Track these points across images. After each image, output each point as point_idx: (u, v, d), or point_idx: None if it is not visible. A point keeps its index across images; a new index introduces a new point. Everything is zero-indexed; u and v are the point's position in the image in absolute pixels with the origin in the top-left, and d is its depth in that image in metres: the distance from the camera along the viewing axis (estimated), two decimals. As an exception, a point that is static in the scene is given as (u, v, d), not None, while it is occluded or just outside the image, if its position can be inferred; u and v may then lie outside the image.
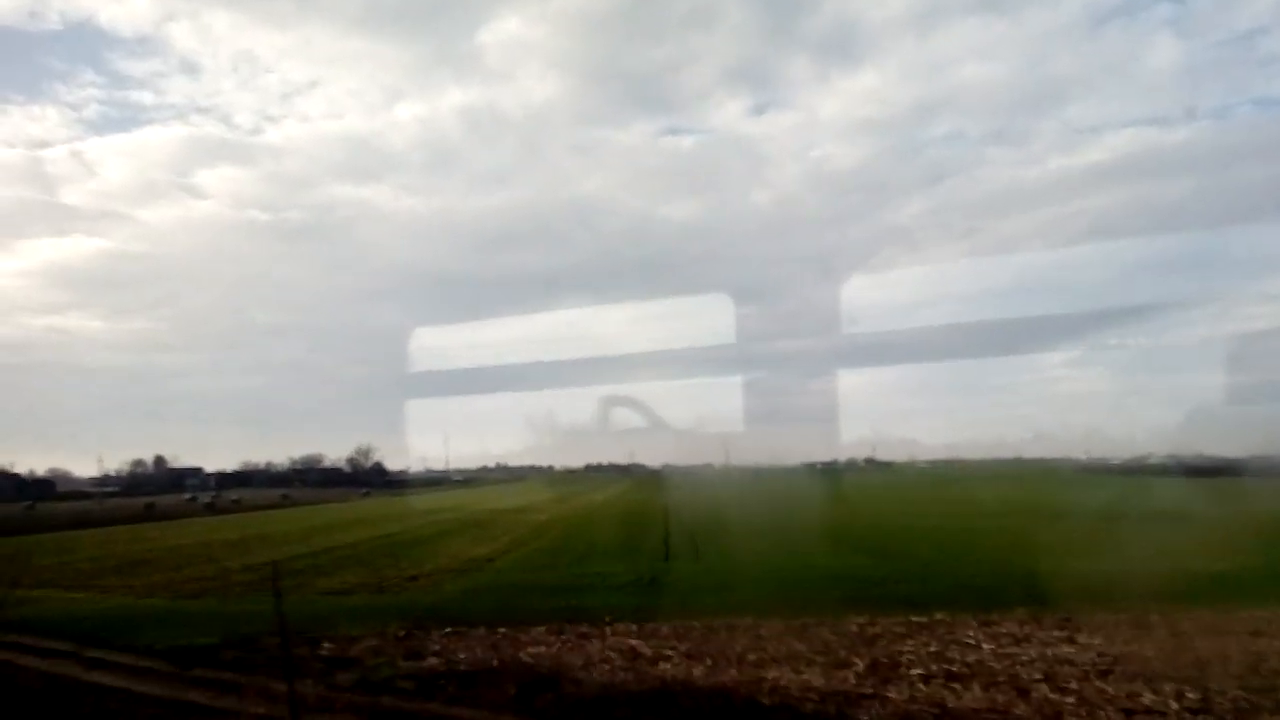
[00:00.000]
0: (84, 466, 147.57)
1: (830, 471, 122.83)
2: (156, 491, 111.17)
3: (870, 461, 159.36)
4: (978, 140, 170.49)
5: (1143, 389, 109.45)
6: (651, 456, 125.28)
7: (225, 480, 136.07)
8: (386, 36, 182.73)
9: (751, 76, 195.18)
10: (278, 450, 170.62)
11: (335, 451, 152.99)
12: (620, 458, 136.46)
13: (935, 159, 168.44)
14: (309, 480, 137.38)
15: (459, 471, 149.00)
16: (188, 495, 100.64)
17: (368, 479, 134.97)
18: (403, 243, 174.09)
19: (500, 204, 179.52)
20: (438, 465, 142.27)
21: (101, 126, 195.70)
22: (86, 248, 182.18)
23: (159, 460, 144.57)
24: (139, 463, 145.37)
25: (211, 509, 76.94)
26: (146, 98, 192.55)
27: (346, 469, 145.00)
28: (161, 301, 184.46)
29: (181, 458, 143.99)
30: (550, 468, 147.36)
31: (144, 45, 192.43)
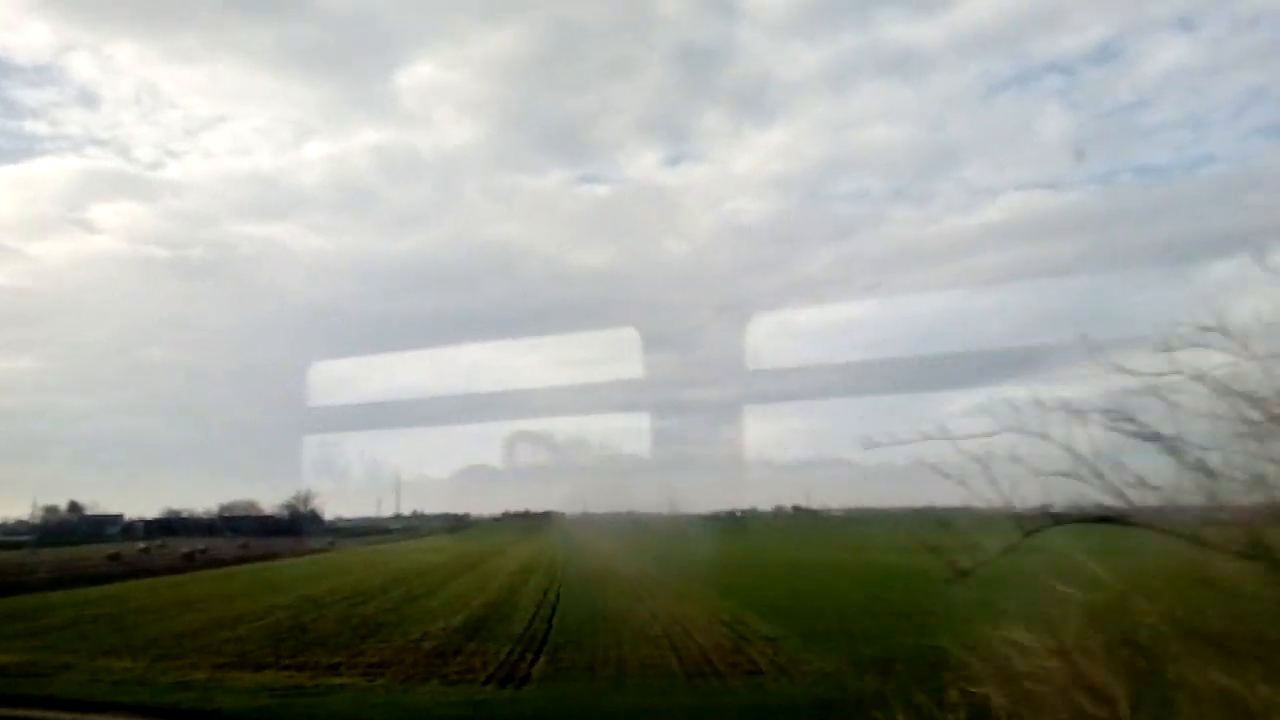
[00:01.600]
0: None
1: (741, 521, 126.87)
2: (78, 540, 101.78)
3: (799, 509, 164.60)
4: (882, 198, 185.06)
5: (1029, 438, 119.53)
6: (570, 504, 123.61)
7: (151, 528, 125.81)
8: (298, 75, 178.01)
9: (667, 128, 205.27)
10: (185, 496, 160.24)
11: (262, 496, 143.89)
12: (536, 505, 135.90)
13: (842, 214, 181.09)
14: (242, 528, 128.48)
15: (398, 519, 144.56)
16: (112, 546, 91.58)
17: (304, 527, 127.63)
18: (309, 283, 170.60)
19: (412, 246, 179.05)
20: (364, 512, 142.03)
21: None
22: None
23: (74, 506, 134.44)
24: (52, 509, 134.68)
25: (191, 561, 70.35)
26: (41, 128, 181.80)
27: (284, 516, 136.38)
28: (52, 340, 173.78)
29: (100, 504, 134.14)
30: (467, 515, 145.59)
31: (41, 74, 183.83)
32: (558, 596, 36.31)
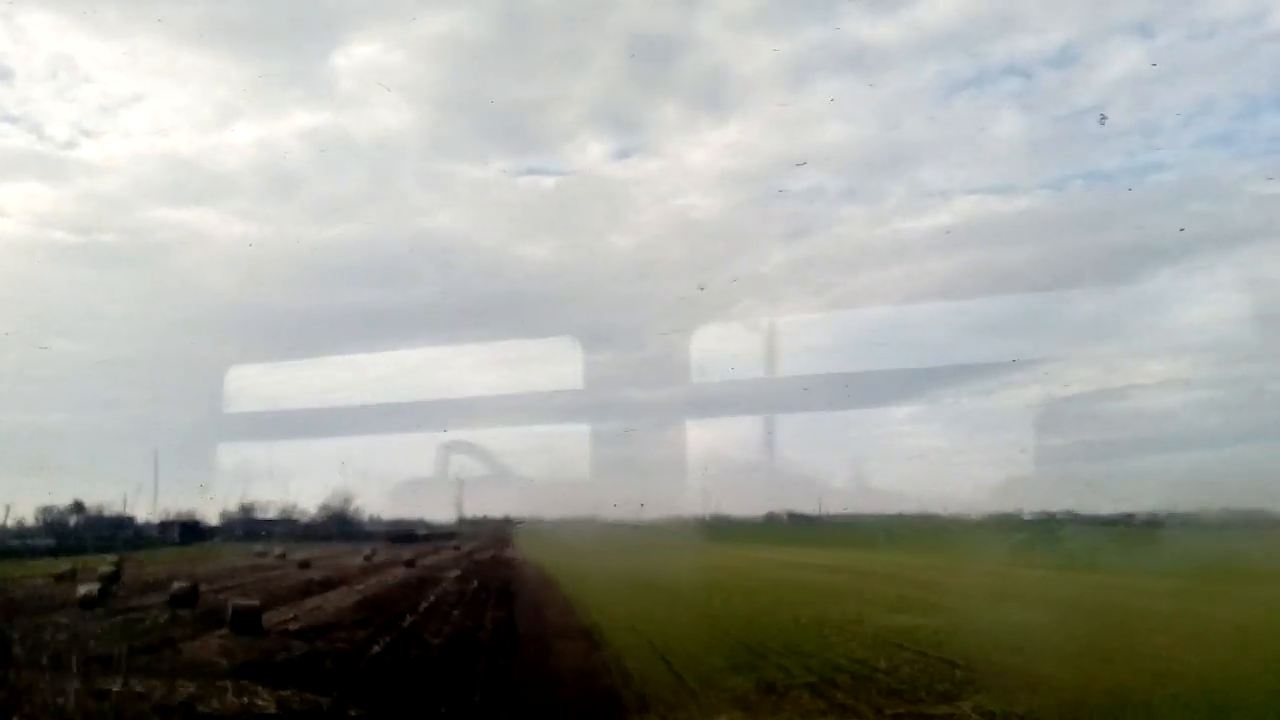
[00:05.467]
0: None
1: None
2: (100, 545, 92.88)
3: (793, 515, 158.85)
4: (835, 197, 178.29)
5: (976, 446, 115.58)
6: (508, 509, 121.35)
7: (166, 530, 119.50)
8: (224, 52, 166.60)
9: (618, 120, 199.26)
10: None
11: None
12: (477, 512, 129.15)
13: (794, 213, 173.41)
14: (275, 533, 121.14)
15: (463, 522, 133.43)
16: (167, 551, 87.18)
17: (352, 530, 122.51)
18: (231, 273, 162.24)
19: (342, 236, 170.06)
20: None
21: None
22: None
23: (78, 506, 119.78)
24: (48, 509, 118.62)
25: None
26: None
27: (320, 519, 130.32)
28: None
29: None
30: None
31: None
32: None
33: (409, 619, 30.98)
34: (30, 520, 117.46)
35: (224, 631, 26.02)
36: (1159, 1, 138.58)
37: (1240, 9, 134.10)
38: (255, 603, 28.85)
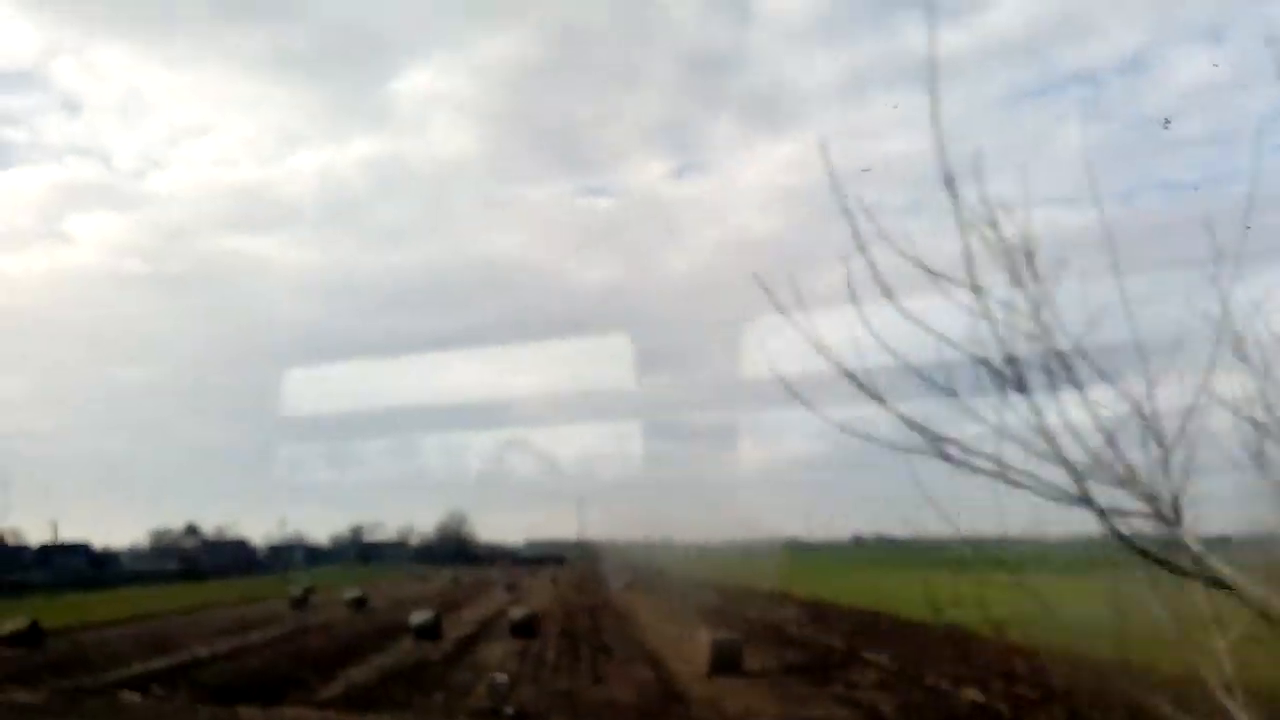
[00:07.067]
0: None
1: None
2: (223, 570, 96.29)
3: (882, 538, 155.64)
4: (897, 211, 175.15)
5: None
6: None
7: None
8: (287, 81, 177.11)
9: (674, 138, 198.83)
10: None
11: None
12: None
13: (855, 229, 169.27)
14: (381, 556, 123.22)
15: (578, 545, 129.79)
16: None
17: (475, 554, 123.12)
18: (293, 299, 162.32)
19: (403, 261, 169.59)
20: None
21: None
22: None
23: (191, 529, 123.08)
24: (163, 533, 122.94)
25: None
26: (19, 136, 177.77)
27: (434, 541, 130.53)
28: (28, 358, 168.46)
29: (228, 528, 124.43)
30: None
31: (23, 80, 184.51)
32: None
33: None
34: (140, 542, 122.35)
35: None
36: (1229, 3, 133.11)
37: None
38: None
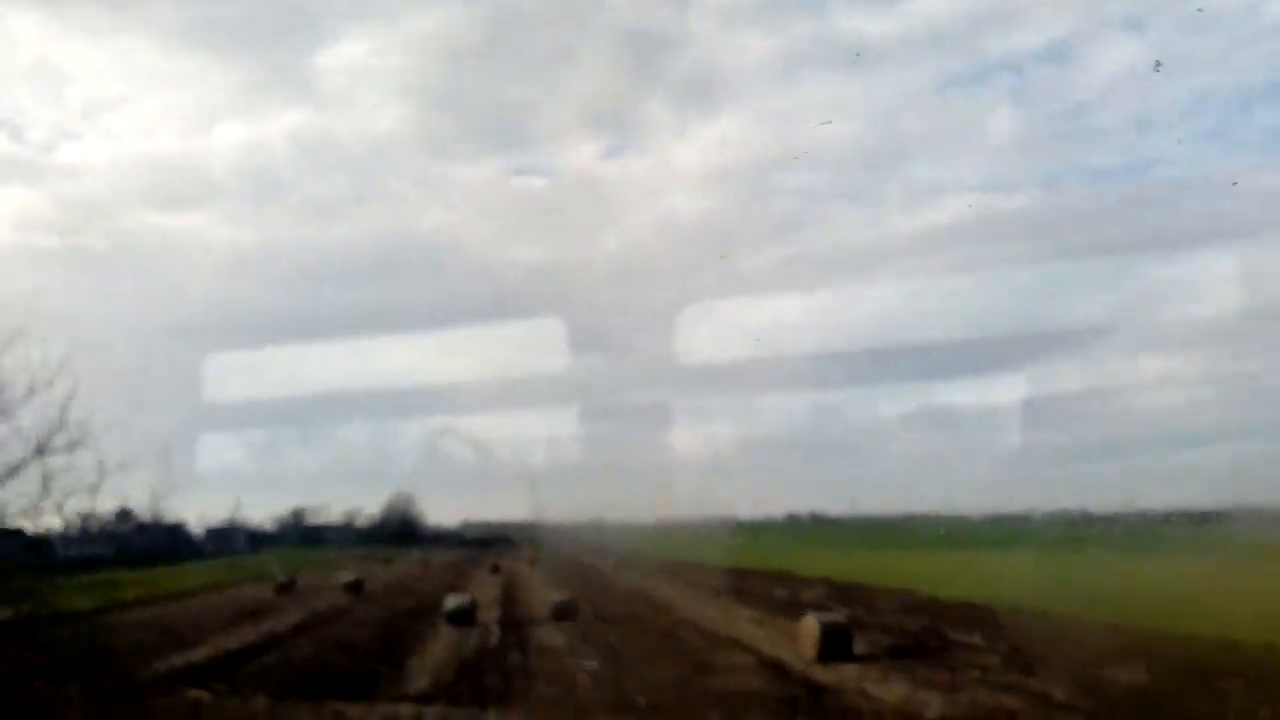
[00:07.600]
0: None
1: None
2: (167, 555, 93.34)
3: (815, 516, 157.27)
4: (826, 195, 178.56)
5: (971, 447, 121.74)
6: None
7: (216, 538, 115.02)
8: (211, 54, 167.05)
9: (608, 118, 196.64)
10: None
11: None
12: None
13: (785, 211, 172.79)
14: (326, 538, 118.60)
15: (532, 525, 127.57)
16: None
17: (419, 534, 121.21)
18: (219, 277, 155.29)
19: (333, 238, 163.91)
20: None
21: None
22: None
23: (124, 514, 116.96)
24: (88, 515, 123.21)
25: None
26: None
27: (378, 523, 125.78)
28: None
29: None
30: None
31: None
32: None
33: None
34: (69, 527, 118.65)
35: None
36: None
37: (1235, 2, 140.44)
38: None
